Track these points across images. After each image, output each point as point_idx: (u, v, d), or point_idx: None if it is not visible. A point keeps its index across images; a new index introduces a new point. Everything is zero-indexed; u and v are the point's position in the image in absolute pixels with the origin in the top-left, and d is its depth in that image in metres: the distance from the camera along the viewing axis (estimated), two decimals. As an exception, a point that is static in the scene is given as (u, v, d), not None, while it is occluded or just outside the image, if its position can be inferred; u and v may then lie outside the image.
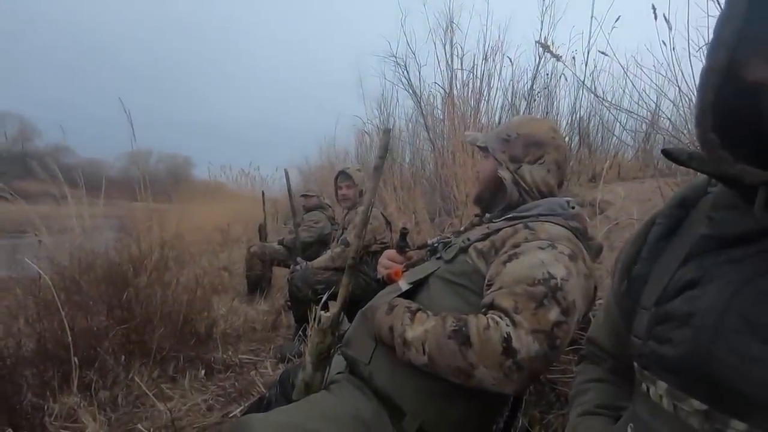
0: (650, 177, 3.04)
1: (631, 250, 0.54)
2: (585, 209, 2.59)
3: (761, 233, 0.38)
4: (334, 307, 0.98)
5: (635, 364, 0.47)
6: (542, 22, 3.27)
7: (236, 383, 2.01)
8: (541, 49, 2.93)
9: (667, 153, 0.45)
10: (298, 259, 2.68)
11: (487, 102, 3.65)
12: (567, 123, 3.84)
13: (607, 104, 3.33)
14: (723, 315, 0.37)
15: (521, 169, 0.99)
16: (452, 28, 3.60)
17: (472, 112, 3.38)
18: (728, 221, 0.42)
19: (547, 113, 3.77)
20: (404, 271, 1.03)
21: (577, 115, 3.61)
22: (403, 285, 0.94)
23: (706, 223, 0.45)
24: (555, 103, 3.78)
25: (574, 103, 3.63)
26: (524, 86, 3.56)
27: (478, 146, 1.05)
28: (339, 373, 0.97)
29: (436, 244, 1.03)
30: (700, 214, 0.47)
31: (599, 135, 4.00)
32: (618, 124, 3.63)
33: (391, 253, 1.11)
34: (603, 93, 3.56)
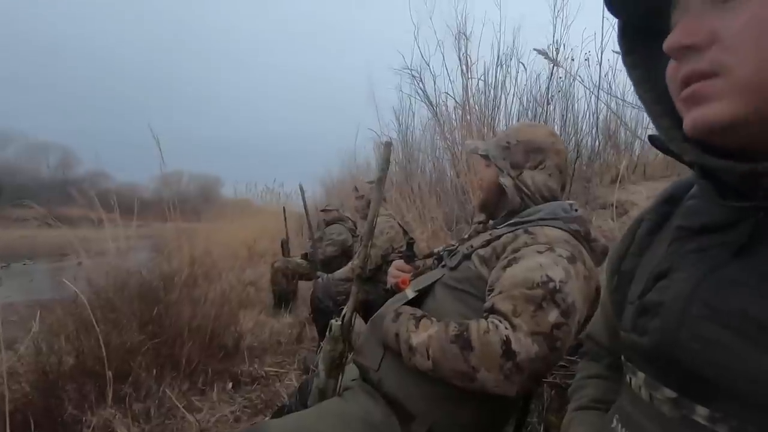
0: (677, 176, 2.95)
1: (621, 246, 0.55)
2: (608, 210, 2.54)
3: (725, 223, 0.39)
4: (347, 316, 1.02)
5: (622, 356, 0.49)
6: (554, 25, 3.25)
7: (262, 395, 2.07)
8: (554, 52, 2.92)
9: (651, 140, 0.47)
10: (318, 273, 2.75)
11: (504, 108, 3.65)
12: (587, 124, 3.78)
13: (627, 104, 3.27)
14: (688, 303, 0.38)
15: (523, 175, 1.00)
16: (465, 36, 3.63)
17: (488, 119, 3.38)
18: (697, 210, 0.44)
19: (565, 115, 3.72)
20: (412, 280, 1.05)
21: (596, 117, 3.55)
22: (410, 293, 0.97)
23: (682, 212, 0.46)
24: (574, 105, 3.73)
25: (588, 105, 3.57)
26: (539, 90, 3.53)
27: (479, 155, 1.07)
28: (353, 380, 1.00)
29: (441, 253, 1.05)
30: (682, 207, 0.48)
31: (621, 135, 3.91)
32: (640, 123, 3.55)
33: (400, 262, 1.14)
34: (622, 93, 3.50)
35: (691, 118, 0.36)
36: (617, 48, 0.47)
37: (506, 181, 1.00)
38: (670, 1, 0.40)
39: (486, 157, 1.05)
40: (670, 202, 0.50)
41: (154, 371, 1.96)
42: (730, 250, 0.37)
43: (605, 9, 0.45)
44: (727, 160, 0.36)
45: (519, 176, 1.00)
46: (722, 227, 0.39)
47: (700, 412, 0.36)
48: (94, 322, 1.81)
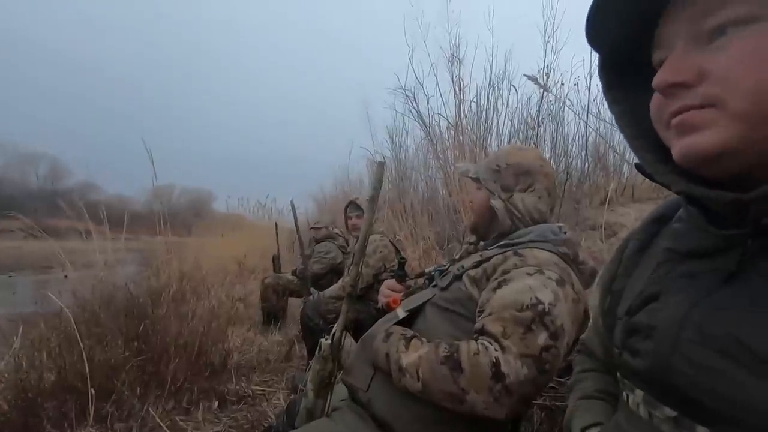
0: (664, 198, 3.00)
1: (611, 267, 0.57)
2: (597, 231, 2.58)
3: (713, 249, 0.40)
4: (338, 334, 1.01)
5: (618, 374, 0.50)
6: (545, 51, 3.35)
7: (249, 415, 2.02)
8: (544, 77, 3.00)
9: (638, 167, 0.48)
10: (312, 290, 2.72)
11: (495, 129, 3.72)
12: (576, 147, 3.86)
13: (616, 128, 3.34)
14: (680, 328, 0.39)
15: (513, 198, 1.01)
16: (458, 59, 3.71)
17: (480, 140, 3.44)
18: (685, 234, 0.45)
19: (555, 137, 3.80)
20: (402, 300, 1.06)
21: (585, 140, 3.63)
22: (401, 313, 0.97)
23: (671, 234, 0.48)
24: (564, 127, 3.82)
25: (578, 128, 3.65)
26: (530, 113, 3.61)
27: (470, 177, 1.09)
28: (342, 400, 1.00)
29: (432, 273, 1.06)
30: (670, 228, 0.49)
31: (610, 158, 3.99)
32: (628, 147, 3.62)
33: (391, 282, 1.15)
34: (611, 117, 3.58)
35: (683, 145, 0.37)
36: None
37: (497, 204, 1.01)
38: (650, 40, 0.42)
39: (477, 179, 1.07)
40: (659, 222, 0.52)
41: (138, 389, 1.91)
42: (720, 276, 0.39)
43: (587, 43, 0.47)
44: (713, 189, 0.37)
45: (509, 199, 1.01)
46: (711, 253, 0.41)
47: (701, 431, 0.37)
48: (78, 338, 1.77)
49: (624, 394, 0.47)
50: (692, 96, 0.37)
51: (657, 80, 0.38)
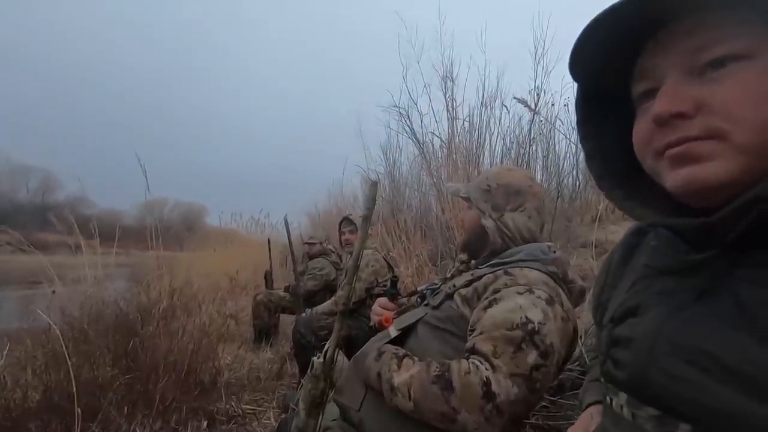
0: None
1: (600, 278, 0.59)
2: (588, 249, 2.61)
3: (686, 268, 0.42)
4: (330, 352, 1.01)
5: (602, 378, 0.51)
6: (536, 72, 3.44)
7: (237, 435, 1.98)
8: (534, 97, 3.07)
9: (607, 196, 0.50)
10: (307, 309, 2.72)
11: (488, 147, 3.79)
12: (568, 164, 3.93)
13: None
14: (655, 340, 0.41)
15: (504, 217, 1.03)
16: (451, 79, 3.79)
17: (472, 158, 3.49)
18: (662, 252, 0.47)
19: (547, 156, 3.87)
20: (395, 318, 1.06)
21: (576, 157, 3.69)
22: (393, 331, 0.97)
23: (648, 251, 0.50)
24: (555, 146, 3.89)
25: (569, 146, 3.73)
26: (521, 132, 3.69)
27: (460, 197, 1.11)
28: (333, 420, 0.99)
29: (425, 291, 1.07)
30: (649, 241, 0.51)
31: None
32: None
33: (383, 300, 1.15)
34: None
35: (683, 175, 0.38)
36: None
37: (488, 223, 1.03)
38: (620, 74, 0.44)
39: (468, 199, 1.09)
40: (638, 234, 0.54)
41: (126, 409, 1.87)
42: (692, 293, 0.40)
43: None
44: (681, 216, 0.39)
45: (500, 218, 1.03)
46: (683, 272, 0.43)
47: (684, 428, 0.38)
48: (66, 355, 1.74)
49: (608, 398, 0.48)
50: (690, 127, 0.37)
51: (657, 110, 0.38)
